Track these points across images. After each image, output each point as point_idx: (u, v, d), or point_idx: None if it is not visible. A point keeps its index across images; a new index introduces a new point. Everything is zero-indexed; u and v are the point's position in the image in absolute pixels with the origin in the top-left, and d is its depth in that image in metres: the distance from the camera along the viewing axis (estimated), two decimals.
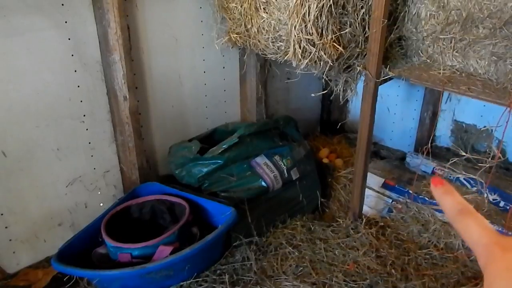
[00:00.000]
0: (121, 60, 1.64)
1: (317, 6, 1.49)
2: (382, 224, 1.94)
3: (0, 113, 1.50)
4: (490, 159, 1.50)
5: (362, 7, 1.61)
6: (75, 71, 1.63)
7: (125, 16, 1.64)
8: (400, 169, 2.32)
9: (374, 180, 2.14)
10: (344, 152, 2.54)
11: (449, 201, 0.37)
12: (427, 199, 1.97)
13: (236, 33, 1.83)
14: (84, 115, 1.71)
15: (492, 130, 2.18)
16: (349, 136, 2.70)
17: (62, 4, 1.53)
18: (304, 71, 1.68)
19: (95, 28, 1.63)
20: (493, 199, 1.91)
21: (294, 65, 1.66)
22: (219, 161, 1.82)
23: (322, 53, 1.57)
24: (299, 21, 1.52)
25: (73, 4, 1.56)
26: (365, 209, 2.02)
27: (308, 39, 1.55)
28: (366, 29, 1.64)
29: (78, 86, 1.66)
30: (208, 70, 2.09)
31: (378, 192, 2.12)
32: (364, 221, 1.94)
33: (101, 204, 1.86)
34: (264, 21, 1.67)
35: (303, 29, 1.53)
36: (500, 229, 1.76)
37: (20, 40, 1.47)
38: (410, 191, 2.03)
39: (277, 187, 1.93)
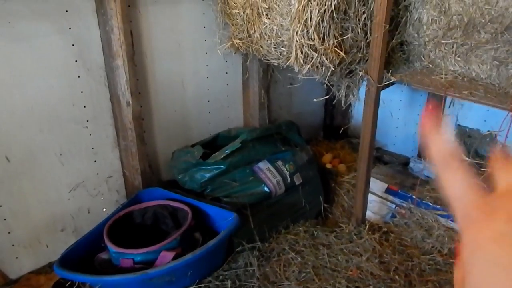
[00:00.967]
0: (124, 65, 1.65)
1: (318, 11, 1.50)
2: (386, 229, 1.93)
3: (4, 117, 1.51)
4: None
5: (363, 12, 1.61)
6: (79, 76, 1.65)
7: (129, 22, 1.65)
8: (404, 174, 2.31)
9: (377, 186, 2.13)
10: (347, 157, 2.53)
11: (436, 144, 0.32)
12: (430, 204, 1.96)
13: (239, 39, 1.84)
14: (87, 120, 1.72)
15: (495, 135, 2.17)
16: (352, 141, 2.69)
17: (66, 11, 1.55)
18: (306, 77, 1.68)
19: (99, 34, 1.64)
20: None
21: (296, 70, 1.66)
22: (221, 166, 1.82)
23: (324, 59, 1.58)
24: (301, 26, 1.52)
25: (77, 11, 1.57)
26: (368, 214, 2.01)
27: (310, 44, 1.55)
28: (368, 34, 1.65)
29: (82, 91, 1.67)
30: (211, 75, 2.10)
31: (381, 197, 2.11)
32: (367, 226, 1.93)
33: (104, 210, 1.86)
34: (266, 26, 1.68)
35: (305, 35, 1.54)
36: None
37: (25, 46, 1.49)
38: (414, 196, 2.02)
39: (279, 193, 1.92)
